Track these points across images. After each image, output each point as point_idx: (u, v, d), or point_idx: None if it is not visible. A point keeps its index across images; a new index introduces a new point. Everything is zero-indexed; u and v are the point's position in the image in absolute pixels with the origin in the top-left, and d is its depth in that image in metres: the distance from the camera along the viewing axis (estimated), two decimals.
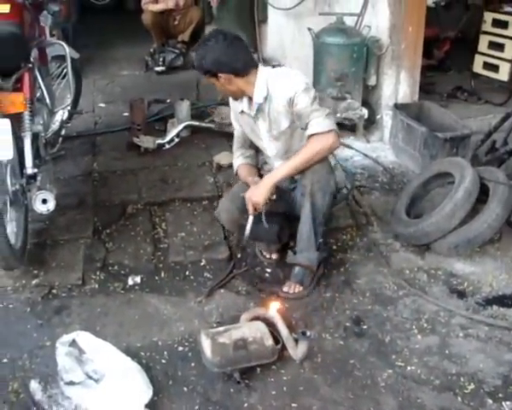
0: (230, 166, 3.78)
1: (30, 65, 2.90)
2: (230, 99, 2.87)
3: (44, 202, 2.58)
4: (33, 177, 2.74)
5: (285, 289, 2.83)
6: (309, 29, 4.25)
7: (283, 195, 2.85)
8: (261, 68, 2.70)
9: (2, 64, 2.52)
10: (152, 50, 5.88)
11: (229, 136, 4.17)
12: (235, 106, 2.85)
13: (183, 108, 4.20)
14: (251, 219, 2.72)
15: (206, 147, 4.14)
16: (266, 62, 5.66)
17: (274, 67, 5.28)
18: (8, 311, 2.72)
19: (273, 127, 2.74)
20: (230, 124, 4.14)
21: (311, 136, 2.64)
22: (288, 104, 2.64)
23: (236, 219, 2.82)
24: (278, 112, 2.68)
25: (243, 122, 2.87)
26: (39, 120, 3.09)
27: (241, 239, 2.96)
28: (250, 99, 2.72)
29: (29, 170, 2.71)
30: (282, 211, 2.95)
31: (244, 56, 2.64)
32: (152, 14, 5.75)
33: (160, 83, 5.56)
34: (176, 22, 5.96)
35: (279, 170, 2.72)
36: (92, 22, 7.37)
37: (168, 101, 4.81)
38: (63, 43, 3.51)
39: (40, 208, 2.59)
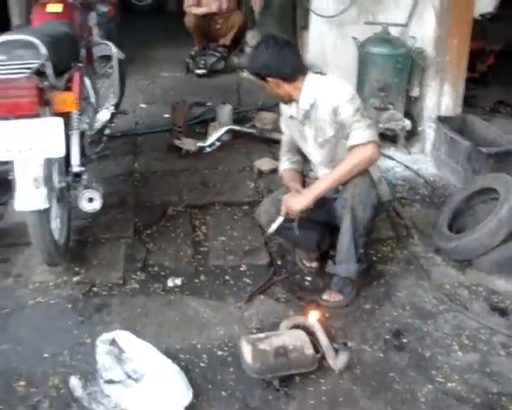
0: (271, 172, 3.83)
1: (80, 64, 2.95)
2: (281, 103, 2.89)
3: (91, 200, 2.61)
4: (79, 175, 2.78)
5: (325, 297, 2.82)
6: (354, 38, 4.24)
7: (325, 204, 2.84)
8: (309, 75, 2.70)
9: (57, 63, 2.56)
10: (193, 53, 5.92)
11: (270, 142, 4.23)
12: (286, 110, 2.86)
13: (225, 112, 4.22)
14: (280, 219, 2.74)
15: (246, 152, 4.15)
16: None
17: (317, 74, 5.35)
18: (49, 306, 2.76)
19: (319, 134, 2.75)
20: (272, 130, 4.22)
21: (351, 147, 2.64)
22: (332, 113, 2.64)
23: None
24: (324, 120, 2.69)
25: (292, 127, 2.88)
26: (85, 119, 3.14)
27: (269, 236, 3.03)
28: (297, 104, 2.73)
29: (76, 168, 2.75)
30: (322, 220, 2.94)
31: (293, 62, 2.66)
32: (195, 17, 5.79)
33: (201, 86, 5.59)
34: (218, 26, 5.99)
35: (321, 183, 2.72)
36: (133, 23, 7.45)
37: (209, 104, 4.83)
38: (110, 44, 3.56)
39: (87, 207, 2.62)
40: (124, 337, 2.51)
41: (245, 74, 5.80)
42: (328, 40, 5.42)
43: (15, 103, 2.40)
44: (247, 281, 2.95)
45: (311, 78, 2.70)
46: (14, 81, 2.39)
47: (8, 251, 3.12)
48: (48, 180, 2.54)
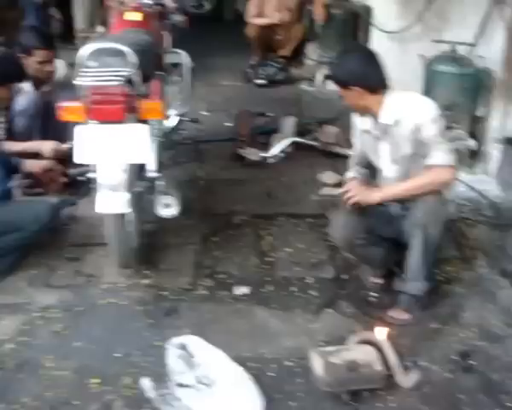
0: (335, 185, 3.84)
1: (161, 73, 3.02)
2: (355, 116, 2.90)
3: (167, 206, 2.67)
4: (154, 181, 2.85)
5: (391, 314, 2.81)
6: (420, 55, 4.21)
7: (393, 221, 2.84)
8: (392, 90, 2.71)
9: (143, 72, 2.63)
10: (253, 63, 5.99)
11: (333, 156, 4.25)
12: (360, 123, 2.86)
13: (289, 124, 4.26)
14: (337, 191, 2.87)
15: (309, 165, 4.17)
16: None
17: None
18: (120, 307, 2.83)
19: (396, 151, 2.74)
20: (335, 144, 4.23)
21: (430, 166, 2.63)
22: (414, 130, 2.64)
23: (350, 238, 2.83)
24: (403, 137, 2.68)
25: (365, 140, 2.89)
26: (159, 126, 3.21)
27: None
28: (375, 118, 2.73)
29: (151, 173, 2.82)
30: (389, 237, 2.94)
31: (379, 75, 2.68)
32: (256, 28, 5.85)
33: (261, 96, 5.64)
34: (278, 37, 6.04)
35: (392, 188, 2.75)
36: (191, 30, 7.55)
37: (270, 115, 4.86)
38: (182, 52, 3.62)
39: (163, 213, 2.68)
40: (194, 342, 2.55)
41: (304, 86, 5.85)
42: (390, 56, 5.35)
43: (106, 109, 2.49)
44: (314, 293, 2.96)
45: (393, 93, 2.70)
46: (107, 88, 2.47)
47: (79, 250, 3.22)
48: (129, 185, 2.61)
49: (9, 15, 6.80)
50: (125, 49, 2.58)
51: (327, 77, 2.88)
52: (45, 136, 3.59)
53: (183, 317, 2.77)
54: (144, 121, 2.65)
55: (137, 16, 3.32)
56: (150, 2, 3.51)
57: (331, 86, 5.69)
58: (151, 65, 2.89)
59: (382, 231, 2.86)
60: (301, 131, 4.51)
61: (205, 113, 5.15)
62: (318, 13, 5.78)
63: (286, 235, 3.40)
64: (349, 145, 4.26)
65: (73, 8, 7.04)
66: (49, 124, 3.71)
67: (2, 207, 2.99)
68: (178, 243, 3.24)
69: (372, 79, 2.64)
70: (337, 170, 4.03)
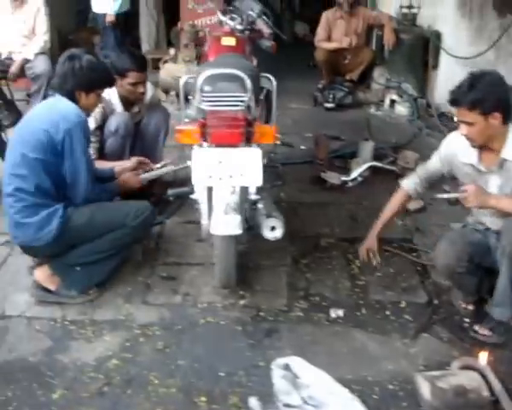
0: (418, 211, 3.86)
1: (261, 97, 3.10)
2: (446, 142, 2.91)
3: (273, 228, 2.71)
4: (255, 203, 2.90)
5: (475, 328, 2.83)
6: None
7: (490, 251, 2.84)
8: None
9: (255, 96, 2.71)
10: (321, 86, 6.04)
11: None
12: (457, 152, 2.83)
13: (367, 148, 4.30)
14: (453, 195, 2.91)
15: (388, 189, 4.11)
16: (432, 108, 5.67)
17: (443, 114, 5.30)
18: (220, 327, 2.88)
19: (508, 185, 2.70)
20: (413, 169, 4.22)
21: None
22: None
23: (453, 265, 2.82)
24: None
25: (460, 170, 2.87)
26: (265, 149, 3.26)
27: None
28: (481, 151, 2.72)
29: (253, 196, 2.87)
30: (483, 265, 2.92)
31: None
32: (325, 52, 5.91)
33: (330, 119, 5.69)
34: (346, 61, 6.08)
35: (505, 201, 2.66)
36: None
37: (343, 139, 4.91)
38: (271, 77, 3.68)
39: (269, 235, 2.72)
40: (298, 363, 2.59)
41: (372, 110, 5.88)
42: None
43: (227, 133, 2.59)
44: (408, 318, 2.96)
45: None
46: (229, 113, 2.56)
47: (173, 269, 3.29)
48: (241, 207, 2.67)
49: (80, 36, 7.08)
50: (241, 74, 2.66)
51: (452, 102, 2.69)
52: (134, 156, 3.69)
53: (282, 338, 2.80)
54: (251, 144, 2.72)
55: (232, 41, 3.41)
56: (241, 28, 3.60)
57: (399, 110, 5.77)
58: (258, 89, 2.96)
59: (481, 260, 2.85)
60: (376, 156, 4.53)
61: (278, 135, 5.21)
62: (388, 38, 5.81)
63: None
64: None
65: (140, 30, 7.23)
66: (138, 145, 3.84)
67: (103, 206, 3.08)
68: (270, 265, 3.28)
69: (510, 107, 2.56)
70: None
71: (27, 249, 3.11)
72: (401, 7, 5.84)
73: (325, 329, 2.87)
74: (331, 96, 5.79)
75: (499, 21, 4.79)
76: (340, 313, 2.98)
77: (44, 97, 5.24)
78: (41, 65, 5.30)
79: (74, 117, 2.91)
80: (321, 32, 6.04)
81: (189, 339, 2.80)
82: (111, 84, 3.24)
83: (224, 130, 2.59)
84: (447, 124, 5.27)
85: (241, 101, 2.61)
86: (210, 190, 2.84)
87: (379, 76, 6.10)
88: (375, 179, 4.29)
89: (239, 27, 3.64)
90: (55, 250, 3.04)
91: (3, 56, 5.40)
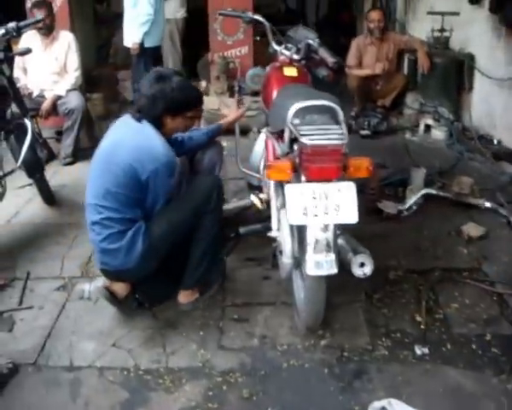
0: (480, 238, 3.77)
1: None
2: None
3: (362, 265, 2.60)
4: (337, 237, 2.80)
5: None
6: None
7: None
8: None
9: None
10: (354, 113, 5.98)
11: (467, 206, 4.17)
12: None
13: (419, 175, 4.21)
14: None
15: (445, 217, 4.08)
16: (468, 132, 5.62)
17: (482, 137, 5.25)
18: (305, 370, 2.75)
19: None
20: (468, 194, 4.16)
21: None
22: None
23: None
24: None
25: None
26: None
27: None
28: None
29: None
30: None
31: None
32: (357, 79, 5.86)
33: (367, 146, 5.57)
34: (378, 87, 6.04)
35: None
36: None
37: (387, 166, 4.83)
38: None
39: (359, 272, 2.60)
40: (396, 406, 2.47)
41: (407, 136, 5.82)
42: (497, 102, 5.35)
43: (326, 168, 2.49)
44: (496, 351, 2.84)
45: None
46: (328, 147, 2.48)
47: (244, 310, 3.16)
48: (335, 245, 2.57)
49: (103, 72, 7.03)
50: (333, 105, 2.59)
51: None
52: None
53: (373, 379, 2.68)
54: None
55: (294, 72, 3.35)
56: (298, 57, 3.53)
57: (435, 135, 5.71)
58: None
59: None
60: (426, 182, 4.44)
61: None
62: (423, 62, 5.77)
63: (447, 290, 3.30)
64: (482, 195, 4.23)
65: (164, 63, 7.17)
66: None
67: (176, 205, 2.98)
68: (345, 301, 3.16)
69: None
70: (477, 221, 3.97)
71: (120, 274, 3.03)
72: (433, 30, 5.81)
73: (414, 367, 2.75)
74: (366, 123, 5.72)
75: None
76: (426, 349, 2.86)
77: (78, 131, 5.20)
78: (74, 100, 5.24)
79: (162, 157, 2.83)
80: (352, 58, 6.00)
81: (275, 385, 2.67)
82: (200, 104, 3.13)
83: (324, 165, 2.49)
84: (488, 146, 5.23)
85: (341, 134, 2.52)
86: (296, 227, 2.75)
87: (412, 101, 6.06)
88: (429, 207, 4.19)
89: (296, 57, 3.56)
90: (148, 267, 2.98)
91: (35, 94, 5.34)
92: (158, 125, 2.93)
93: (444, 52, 5.79)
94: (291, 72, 3.36)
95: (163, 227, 2.92)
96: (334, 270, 2.53)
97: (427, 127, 5.79)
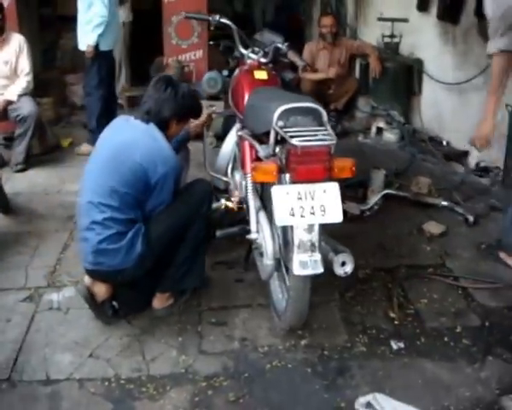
0: (441, 235, 3.94)
1: None
2: None
3: (343, 264, 2.65)
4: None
5: None
6: (507, 105, 4.33)
7: None
8: None
9: None
10: None
11: (424, 206, 4.32)
12: None
13: (379, 176, 4.34)
14: None
15: (405, 216, 4.22)
16: (419, 134, 5.82)
17: (432, 139, 5.44)
18: (289, 371, 2.79)
19: None
20: (427, 194, 4.31)
21: None
22: None
23: None
24: None
25: None
26: None
27: None
28: None
29: None
30: None
31: None
32: (311, 82, 5.93)
33: None
34: (331, 91, 6.15)
35: None
36: None
37: None
38: None
39: (340, 271, 2.65)
40: (382, 400, 2.54)
41: (360, 139, 5.96)
42: (446, 105, 5.57)
43: (313, 169, 2.53)
44: (467, 342, 2.97)
45: None
46: (315, 148, 2.51)
47: (221, 314, 3.17)
48: (320, 245, 2.61)
49: (50, 75, 6.83)
50: (317, 107, 2.63)
51: None
52: None
53: (355, 375, 2.75)
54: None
55: (264, 75, 3.38)
56: (265, 61, 3.57)
57: (387, 137, 5.88)
58: None
59: None
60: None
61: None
62: (375, 66, 5.93)
63: (415, 286, 3.42)
64: (439, 194, 4.40)
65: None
66: None
67: (173, 207, 2.98)
68: (320, 301, 3.20)
69: None
70: (436, 220, 4.13)
71: (114, 274, 3.00)
72: (383, 36, 5.98)
73: (393, 362, 2.84)
74: None
75: (486, 46, 4.95)
76: (402, 344, 2.96)
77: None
78: (27, 106, 5.09)
79: (172, 162, 2.89)
80: None
81: (261, 387, 2.69)
82: (199, 115, 3.27)
83: (312, 165, 2.53)
84: (438, 148, 5.43)
85: (327, 134, 2.56)
86: (279, 228, 2.77)
87: (364, 105, 6.21)
88: (389, 206, 4.32)
89: (263, 60, 3.60)
90: (144, 267, 2.98)
91: None
92: (163, 128, 2.97)
93: (394, 57, 5.98)
94: (261, 75, 3.39)
95: (161, 229, 2.93)
96: (320, 269, 2.58)
97: (379, 130, 5.95)
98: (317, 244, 2.57)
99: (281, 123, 2.61)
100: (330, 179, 2.60)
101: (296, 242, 2.56)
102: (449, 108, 5.54)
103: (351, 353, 2.90)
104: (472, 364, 2.82)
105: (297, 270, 2.55)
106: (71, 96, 6.98)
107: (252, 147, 3.11)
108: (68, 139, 5.96)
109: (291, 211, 2.52)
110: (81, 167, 5.21)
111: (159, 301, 3.17)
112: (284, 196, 2.53)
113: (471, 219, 4.09)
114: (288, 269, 2.80)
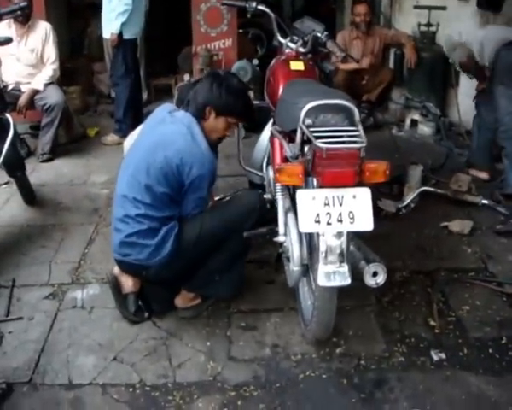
0: (470, 233, 3.77)
1: None
2: None
3: (375, 274, 2.47)
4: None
5: None
6: None
7: None
8: None
9: None
10: None
11: (463, 204, 4.12)
12: None
13: (417, 172, 4.14)
14: None
15: (443, 215, 4.01)
16: (456, 127, 5.59)
17: (469, 133, 5.23)
18: (323, 382, 2.63)
19: None
20: (466, 192, 4.10)
21: None
22: None
23: None
24: None
25: None
26: None
27: None
28: None
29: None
30: None
31: None
32: (343, 73, 5.72)
33: None
34: (364, 82, 5.93)
35: None
36: None
37: None
38: None
39: (371, 282, 2.44)
40: None
41: (394, 131, 5.75)
42: None
43: (341, 173, 2.32)
44: None
45: None
46: (344, 151, 2.31)
47: (251, 318, 3.03)
48: (348, 254, 2.43)
49: (78, 64, 6.74)
50: (349, 105, 2.43)
51: None
52: None
53: (394, 388, 2.58)
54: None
55: (300, 66, 3.20)
56: (304, 50, 3.39)
57: (422, 130, 5.65)
58: None
59: None
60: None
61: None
62: (411, 57, 5.70)
63: (457, 291, 3.23)
64: (479, 193, 4.19)
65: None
66: None
67: (213, 214, 2.91)
68: (356, 306, 3.05)
69: None
70: (474, 219, 3.94)
71: (138, 269, 2.92)
72: (419, 25, 5.73)
73: (434, 374, 2.66)
74: None
75: None
76: (443, 355, 2.78)
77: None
78: (54, 95, 5.00)
79: (208, 165, 2.75)
80: None
81: (294, 398, 2.54)
82: (246, 117, 3.00)
83: (339, 169, 2.33)
84: None
85: (358, 136, 2.37)
86: (306, 233, 2.60)
87: (398, 96, 5.97)
88: (426, 204, 4.12)
89: (302, 50, 3.41)
90: (170, 268, 2.87)
91: (10, 87, 5.07)
92: (199, 116, 2.83)
93: (430, 47, 5.73)
94: (298, 66, 3.21)
95: (196, 233, 2.81)
96: (348, 281, 2.39)
97: (414, 122, 5.73)
98: (344, 254, 2.37)
99: (309, 121, 2.42)
100: (361, 184, 2.39)
101: (322, 250, 2.36)
102: None
103: (389, 363, 2.73)
104: None
105: (322, 281, 2.36)
106: (98, 84, 6.86)
107: (281, 145, 2.94)
108: (95, 129, 5.87)
109: (317, 217, 2.32)
110: (107, 158, 5.27)
111: (182, 300, 3.06)
112: (310, 200, 2.33)
113: None
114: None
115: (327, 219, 2.34)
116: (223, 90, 2.81)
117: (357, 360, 2.74)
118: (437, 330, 2.94)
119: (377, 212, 3.88)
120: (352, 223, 2.36)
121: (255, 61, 5.77)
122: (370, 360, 2.74)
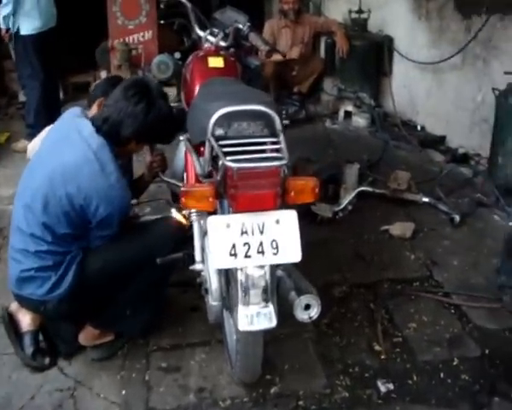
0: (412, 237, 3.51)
1: None
2: None
3: (307, 307, 2.06)
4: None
5: None
6: (494, 89, 3.86)
7: None
8: None
9: None
10: None
11: (403, 203, 3.85)
12: None
13: (353, 171, 3.83)
14: None
15: (383, 217, 3.72)
16: (391, 118, 5.35)
17: (405, 123, 5.00)
18: None
19: None
20: (405, 190, 3.83)
21: None
22: None
23: None
24: None
25: None
26: None
27: None
28: None
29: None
30: None
31: None
32: (272, 64, 5.36)
33: (286, 138, 5.17)
34: (294, 72, 5.61)
35: None
36: None
37: (315, 160, 4.40)
38: None
39: (303, 316, 2.03)
40: None
41: (327, 124, 5.45)
42: (419, 87, 5.09)
43: (259, 196, 1.93)
44: (466, 378, 2.51)
45: None
46: (260, 169, 1.91)
47: (173, 355, 2.63)
48: (273, 291, 2.05)
49: None
50: (268, 111, 2.01)
51: None
52: None
53: None
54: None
55: (219, 62, 2.80)
56: (226, 44, 3.00)
57: (356, 122, 5.38)
58: None
59: None
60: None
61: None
62: (342, 45, 5.40)
63: (401, 306, 2.93)
64: (420, 190, 3.92)
65: None
66: None
67: (122, 244, 2.48)
68: (290, 334, 2.69)
69: None
70: (416, 219, 3.68)
71: (35, 304, 2.51)
72: (350, 12, 5.45)
73: None
74: (284, 112, 5.23)
75: (464, 22, 4.49)
76: (390, 385, 2.48)
77: None
78: None
79: (118, 201, 2.36)
80: None
81: None
82: (169, 141, 2.71)
83: (257, 192, 1.94)
84: (412, 133, 4.97)
85: (279, 150, 1.99)
86: None
87: (330, 87, 5.69)
88: (364, 206, 3.82)
89: (223, 44, 3.02)
90: (71, 303, 2.46)
91: None
92: (118, 143, 2.42)
93: (362, 34, 5.47)
94: (217, 62, 2.80)
95: (101, 263, 2.42)
96: (273, 323, 2.01)
97: (348, 114, 5.47)
98: (269, 290, 1.99)
99: (220, 131, 2.02)
100: (285, 206, 2.02)
101: (241, 289, 1.97)
102: (423, 89, 5.07)
103: (331, 401, 2.39)
104: (477, 409, 2.36)
105: (243, 325, 1.98)
106: (10, 84, 6.24)
107: (193, 161, 2.51)
108: (5, 134, 5.34)
109: (232, 249, 1.94)
110: (17, 168, 4.70)
111: (85, 337, 2.64)
112: (223, 229, 1.94)
113: (457, 218, 3.63)
114: None
115: (245, 251, 1.95)
116: (156, 123, 2.40)
117: (295, 401, 2.38)
118: (383, 356, 2.63)
119: (312, 218, 3.64)
120: (275, 254, 1.97)
121: (177, 55, 5.34)
122: (310, 399, 2.39)
